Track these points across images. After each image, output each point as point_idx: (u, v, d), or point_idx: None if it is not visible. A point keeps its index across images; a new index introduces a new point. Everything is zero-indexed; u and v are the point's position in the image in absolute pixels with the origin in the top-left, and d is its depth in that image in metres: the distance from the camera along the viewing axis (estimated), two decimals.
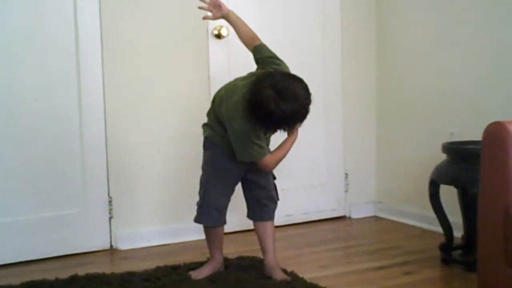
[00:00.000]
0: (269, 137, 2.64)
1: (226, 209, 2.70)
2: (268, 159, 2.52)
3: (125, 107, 3.21)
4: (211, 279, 2.60)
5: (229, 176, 2.66)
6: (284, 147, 2.60)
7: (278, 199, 2.76)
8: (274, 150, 2.58)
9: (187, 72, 3.23)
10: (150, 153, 3.27)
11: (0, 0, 2.93)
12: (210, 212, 2.65)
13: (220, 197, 2.66)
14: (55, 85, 3.05)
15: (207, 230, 2.70)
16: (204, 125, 2.69)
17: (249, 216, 2.74)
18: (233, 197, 2.73)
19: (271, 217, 2.73)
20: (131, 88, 3.21)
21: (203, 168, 2.70)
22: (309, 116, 3.63)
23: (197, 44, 3.36)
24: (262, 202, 2.69)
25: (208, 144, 2.66)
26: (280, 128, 2.44)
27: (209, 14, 2.71)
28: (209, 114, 2.67)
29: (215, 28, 3.29)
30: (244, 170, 2.65)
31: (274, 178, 2.74)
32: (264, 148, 2.54)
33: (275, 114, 2.33)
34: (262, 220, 2.72)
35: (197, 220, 2.69)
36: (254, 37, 2.67)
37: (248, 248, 2.97)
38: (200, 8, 2.71)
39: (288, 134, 2.56)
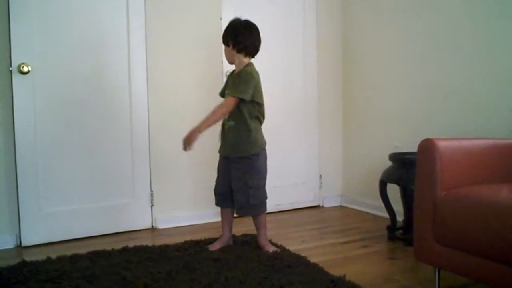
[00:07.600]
0: (232, 88, 2.73)
1: (224, 195, 2.80)
2: (228, 101, 2.69)
3: (164, 122, 3.44)
4: (222, 250, 2.83)
5: (219, 170, 2.88)
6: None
7: (249, 205, 2.73)
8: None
9: (217, 95, 3.09)
10: (182, 158, 3.45)
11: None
12: (215, 195, 2.92)
13: (218, 185, 2.89)
14: (114, 105, 3.30)
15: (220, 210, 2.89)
16: None
17: None
18: None
19: (247, 214, 2.81)
20: (169, 108, 3.45)
21: None
22: (293, 132, 3.93)
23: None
24: (237, 202, 2.83)
25: None
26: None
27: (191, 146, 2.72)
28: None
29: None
30: (227, 166, 2.81)
31: (254, 186, 2.76)
32: (224, 91, 2.78)
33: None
34: (244, 215, 2.88)
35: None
36: (222, 102, 2.78)
37: (251, 228, 3.05)
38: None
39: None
